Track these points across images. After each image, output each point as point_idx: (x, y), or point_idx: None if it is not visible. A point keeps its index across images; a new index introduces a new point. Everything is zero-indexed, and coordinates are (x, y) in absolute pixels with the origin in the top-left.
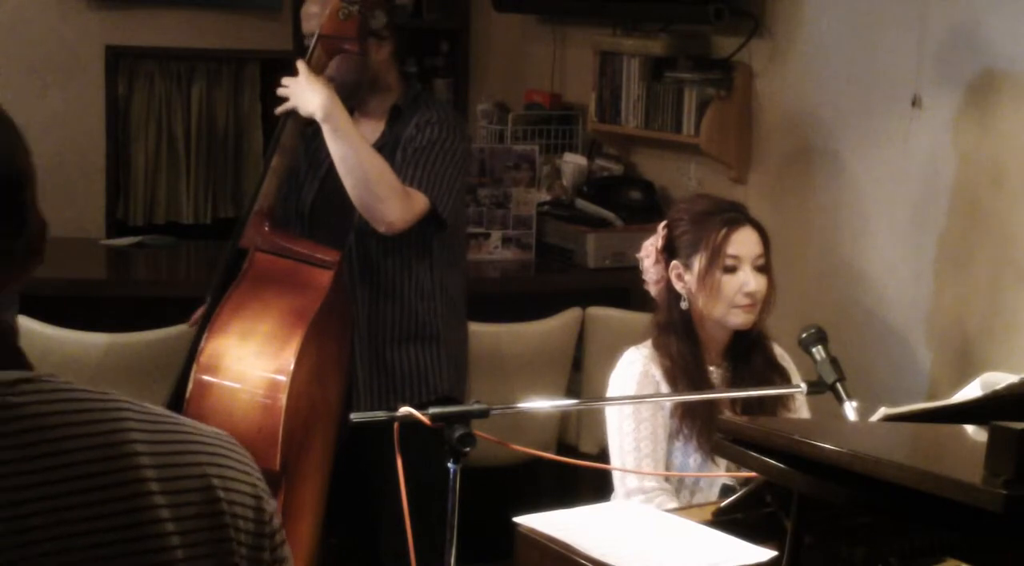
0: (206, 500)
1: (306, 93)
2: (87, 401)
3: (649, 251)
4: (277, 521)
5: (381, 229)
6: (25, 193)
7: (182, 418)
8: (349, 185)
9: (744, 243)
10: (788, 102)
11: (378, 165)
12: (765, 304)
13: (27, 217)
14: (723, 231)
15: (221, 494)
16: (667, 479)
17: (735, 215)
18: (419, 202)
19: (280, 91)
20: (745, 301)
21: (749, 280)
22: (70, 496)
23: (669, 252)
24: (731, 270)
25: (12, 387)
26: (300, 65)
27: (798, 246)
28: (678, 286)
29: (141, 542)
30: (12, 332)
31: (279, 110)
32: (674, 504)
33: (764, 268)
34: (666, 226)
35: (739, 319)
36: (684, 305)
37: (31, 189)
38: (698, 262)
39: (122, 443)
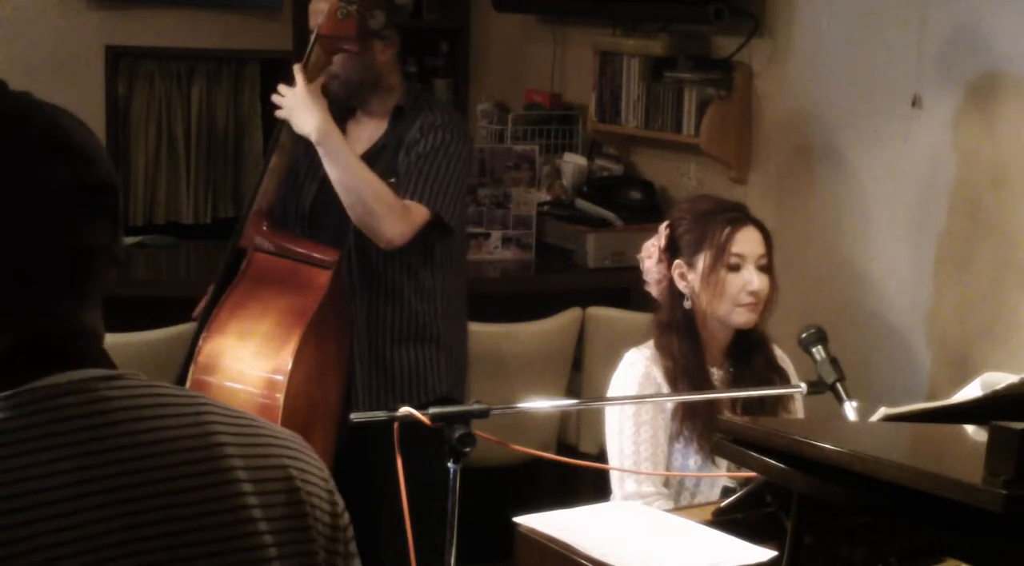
0: (290, 496)
1: (302, 112)
2: (175, 396)
3: (651, 251)
4: (347, 517)
5: (381, 245)
6: (119, 200)
7: (258, 417)
8: (346, 205)
9: (748, 242)
10: (788, 102)
11: (374, 185)
12: (767, 304)
13: (120, 223)
14: (727, 229)
15: (304, 494)
16: (667, 482)
17: (738, 214)
18: (417, 215)
19: (275, 99)
20: (748, 300)
21: (753, 279)
22: (176, 481)
23: (672, 251)
24: (735, 268)
25: (106, 381)
26: (298, 75)
27: (798, 246)
28: (681, 285)
29: (237, 540)
30: (100, 335)
31: (279, 114)
32: (669, 505)
33: (767, 268)
34: (668, 225)
35: (742, 318)
36: (687, 304)
37: (122, 197)
38: (702, 260)
39: (211, 435)
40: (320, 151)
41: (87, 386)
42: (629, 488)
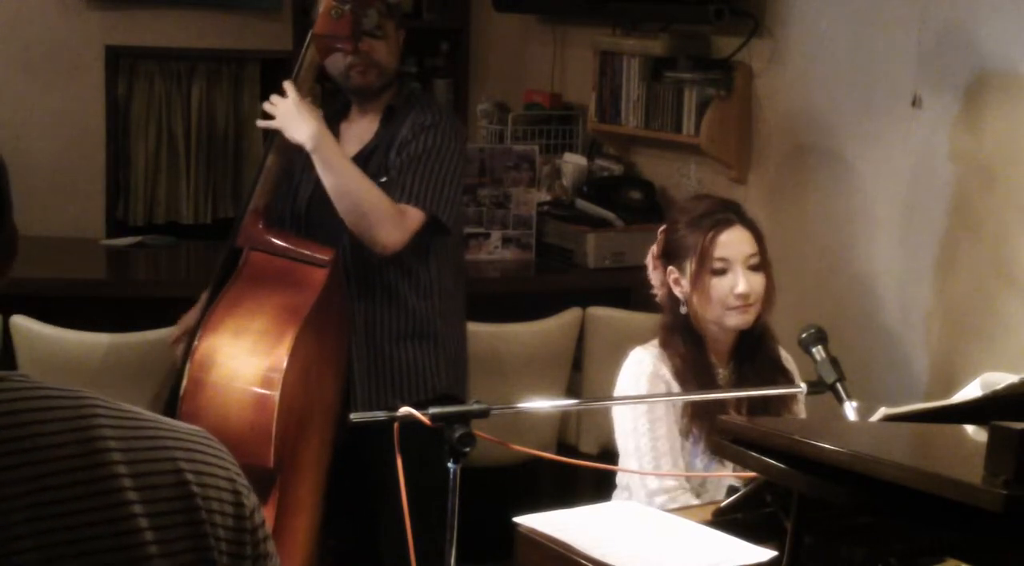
0: (179, 495)
1: (295, 121)
2: (58, 399)
3: (648, 258)
4: (259, 516)
5: (376, 251)
6: (5, 191)
7: (155, 415)
8: (341, 211)
9: (731, 244)
10: (788, 102)
11: (370, 191)
12: (766, 302)
13: (6, 215)
14: (710, 234)
15: (196, 489)
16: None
17: (725, 216)
18: (413, 220)
19: (267, 108)
20: (737, 302)
21: (739, 282)
22: (47, 492)
23: (666, 257)
24: (721, 272)
25: None
26: (290, 90)
27: (797, 246)
28: (676, 291)
29: (116, 538)
30: None
31: (260, 124)
32: (695, 502)
33: (759, 267)
34: (662, 231)
35: (735, 320)
36: (683, 310)
37: (7, 188)
38: (689, 266)
39: (94, 439)
40: (315, 158)
41: None
42: (652, 484)
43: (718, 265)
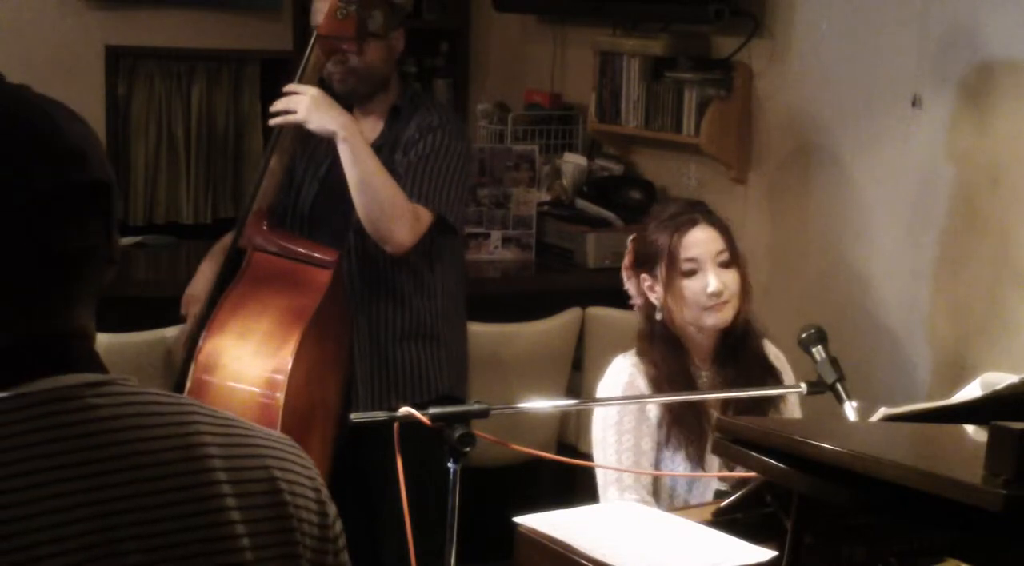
0: (274, 503)
1: (321, 111)
2: (162, 404)
3: (623, 269)
4: (339, 526)
5: (389, 249)
6: (113, 199)
7: (249, 422)
8: (362, 206)
9: (698, 243)
10: (788, 102)
11: (392, 188)
12: (742, 298)
13: (114, 222)
14: (675, 236)
15: (288, 497)
16: (656, 490)
17: (689, 216)
18: (425, 219)
19: (282, 104)
20: (711, 302)
21: (711, 280)
22: (153, 496)
23: (638, 265)
24: (691, 273)
25: (93, 388)
26: (305, 86)
27: (798, 246)
28: (652, 298)
29: (215, 543)
30: (91, 337)
31: (275, 122)
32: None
33: (730, 263)
34: (632, 240)
35: (711, 320)
36: (659, 316)
37: (117, 196)
38: (661, 271)
39: (197, 446)
40: (343, 150)
41: (74, 393)
42: (612, 498)
43: (687, 266)
